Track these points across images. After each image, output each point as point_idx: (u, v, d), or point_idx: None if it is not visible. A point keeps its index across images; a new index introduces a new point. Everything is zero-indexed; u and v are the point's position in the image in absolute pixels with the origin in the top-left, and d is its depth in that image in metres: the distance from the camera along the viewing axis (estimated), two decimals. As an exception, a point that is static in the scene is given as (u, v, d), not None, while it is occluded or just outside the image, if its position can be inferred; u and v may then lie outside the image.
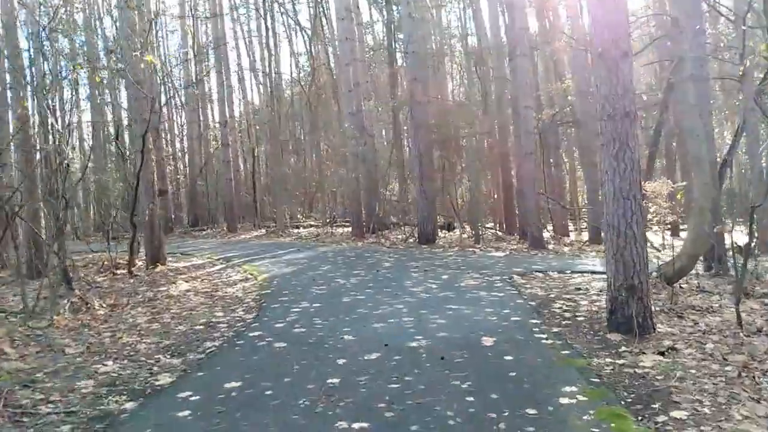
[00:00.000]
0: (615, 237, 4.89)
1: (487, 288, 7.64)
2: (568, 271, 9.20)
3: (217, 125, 25.75)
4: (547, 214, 17.58)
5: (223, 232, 22.06)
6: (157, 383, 4.31)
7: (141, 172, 9.90)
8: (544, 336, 5.10)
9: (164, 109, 19.41)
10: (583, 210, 19.42)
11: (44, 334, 5.72)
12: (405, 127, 21.85)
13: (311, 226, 21.68)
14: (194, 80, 26.73)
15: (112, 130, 21.97)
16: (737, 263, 5.20)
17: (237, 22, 29.52)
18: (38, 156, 9.41)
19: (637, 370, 4.06)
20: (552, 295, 7.08)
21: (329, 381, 4.06)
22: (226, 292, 8.14)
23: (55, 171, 7.75)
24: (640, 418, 3.29)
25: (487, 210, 20.25)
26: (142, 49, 9.15)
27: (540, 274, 8.97)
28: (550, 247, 13.40)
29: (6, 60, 10.04)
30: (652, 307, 5.08)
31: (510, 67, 16.55)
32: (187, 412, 3.61)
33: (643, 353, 4.40)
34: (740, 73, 11.99)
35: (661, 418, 3.25)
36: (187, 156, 28.20)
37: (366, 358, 4.60)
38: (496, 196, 20.88)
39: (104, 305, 7.24)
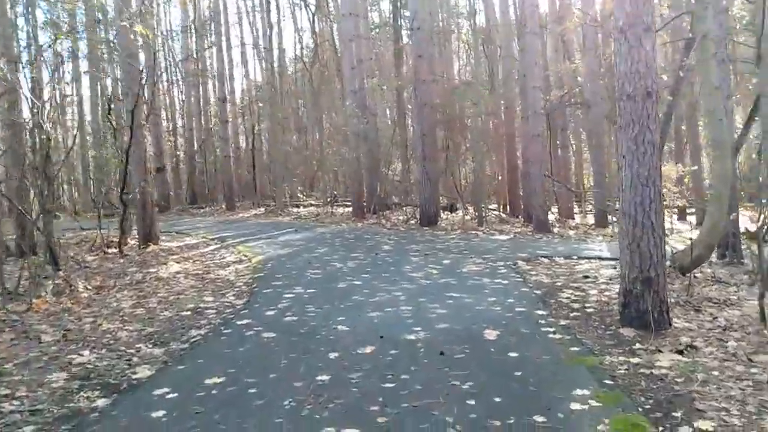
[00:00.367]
0: (631, 226, 4.52)
1: (490, 274, 7.30)
2: (575, 257, 8.86)
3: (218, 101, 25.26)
4: (552, 197, 17.23)
5: (221, 210, 21.72)
6: (134, 377, 4.00)
7: (131, 148, 9.52)
8: (552, 329, 4.76)
9: (160, 84, 18.98)
10: (588, 193, 19.07)
11: (21, 319, 5.42)
12: (409, 107, 21.36)
13: (311, 205, 21.34)
14: (194, 55, 26.20)
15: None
16: (761, 252, 4.83)
17: (240, -3, 28.97)
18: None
19: (654, 370, 3.72)
20: (559, 284, 6.74)
21: (319, 378, 3.74)
22: (217, 275, 7.82)
23: (36, 147, 7.38)
24: (661, 428, 2.96)
25: (491, 192, 19.90)
26: (131, 19, 8.69)
27: (546, 260, 8.62)
28: (555, 230, 13.06)
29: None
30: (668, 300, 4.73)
31: (519, 45, 16.06)
32: (161, 413, 3.29)
33: (660, 351, 4.06)
34: (757, 56, 11.53)
35: (684, 430, 2.91)
36: (186, 133, 27.69)
37: (360, 351, 4.27)
38: (500, 177, 20.50)
39: (89, 287, 6.93)
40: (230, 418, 3.19)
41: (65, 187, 27.91)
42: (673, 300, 5.22)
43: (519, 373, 3.74)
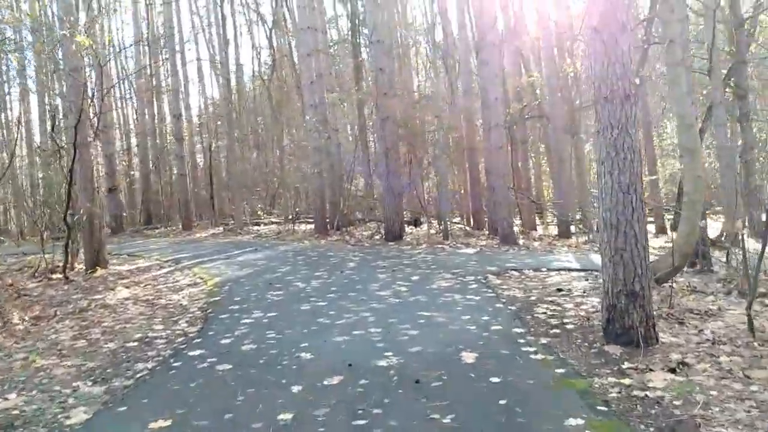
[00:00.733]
0: (613, 237, 4.25)
1: (461, 290, 6.97)
2: (544, 269, 8.63)
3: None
4: (515, 209, 17.15)
5: (177, 230, 20.87)
6: (67, 422, 3.48)
7: (74, 166, 8.87)
8: (533, 349, 4.43)
9: (109, 100, 18.19)
10: (549, 204, 19.13)
11: (-60, 359, 4.79)
12: (370, 123, 21.12)
13: (273, 223, 20.73)
14: (148, 71, 25.39)
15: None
16: (746, 260, 4.64)
17: (196, 14, 28.41)
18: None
19: (648, 393, 3.42)
20: (533, 298, 6.46)
21: (280, 417, 3.30)
22: (170, 300, 7.24)
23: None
24: (667, 463, 2.64)
25: (455, 205, 19.74)
26: (72, 29, 8.12)
27: (515, 273, 8.36)
28: (521, 242, 12.89)
29: None
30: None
31: (478, 59, 15.98)
32: (93, 469, 2.80)
33: (651, 370, 3.77)
34: (709, 67, 11.71)
35: (693, 463, 2.60)
36: (140, 151, 26.72)
37: (326, 382, 3.85)
38: (463, 191, 20.40)
39: (26, 318, 6.28)
40: (176, 473, 2.73)
41: (12, 210, 26.60)
42: (655, 313, 4.98)
43: (504, 402, 3.38)
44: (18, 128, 21.64)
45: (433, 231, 15.28)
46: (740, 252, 8.23)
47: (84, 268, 9.86)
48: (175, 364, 4.49)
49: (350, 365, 4.16)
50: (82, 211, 9.36)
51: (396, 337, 4.89)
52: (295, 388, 3.76)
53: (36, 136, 26.40)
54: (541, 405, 3.34)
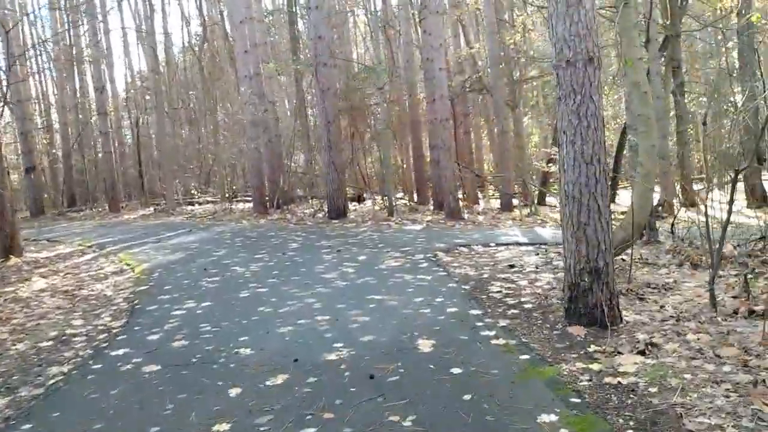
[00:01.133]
0: (576, 211, 3.98)
1: (411, 270, 6.64)
2: (493, 244, 8.46)
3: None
4: (458, 183, 17.01)
5: (103, 212, 19.59)
6: (-45, 449, 2.91)
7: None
8: (492, 333, 4.14)
9: (21, 71, 16.65)
10: (491, 178, 19.13)
11: None
12: (309, 97, 20.35)
13: (208, 202, 19.81)
14: (69, 40, 23.51)
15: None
16: (710, 234, 4.51)
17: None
18: None
19: (621, 379, 3.18)
20: (485, 276, 6.20)
21: (215, 429, 2.85)
22: (92, 291, 6.56)
23: None
24: (655, 463, 2.38)
25: (398, 180, 19.43)
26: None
27: (465, 249, 8.12)
28: (466, 216, 12.72)
29: None
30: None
31: (422, 27, 15.52)
32: None
33: (620, 353, 3.54)
34: (646, 38, 11.78)
35: (683, 462, 2.35)
36: (60, 128, 24.86)
37: (269, 383, 3.41)
38: (405, 165, 20.09)
39: None
40: None
41: None
42: (613, 289, 4.79)
43: (468, 398, 3.06)
44: None
45: (377, 207, 14.92)
46: (680, 222, 8.31)
47: (-5, 256, 8.92)
48: (95, 367, 3.94)
49: (296, 361, 3.74)
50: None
51: (345, 326, 4.50)
52: (234, 392, 3.31)
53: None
54: (509, 399, 3.03)
